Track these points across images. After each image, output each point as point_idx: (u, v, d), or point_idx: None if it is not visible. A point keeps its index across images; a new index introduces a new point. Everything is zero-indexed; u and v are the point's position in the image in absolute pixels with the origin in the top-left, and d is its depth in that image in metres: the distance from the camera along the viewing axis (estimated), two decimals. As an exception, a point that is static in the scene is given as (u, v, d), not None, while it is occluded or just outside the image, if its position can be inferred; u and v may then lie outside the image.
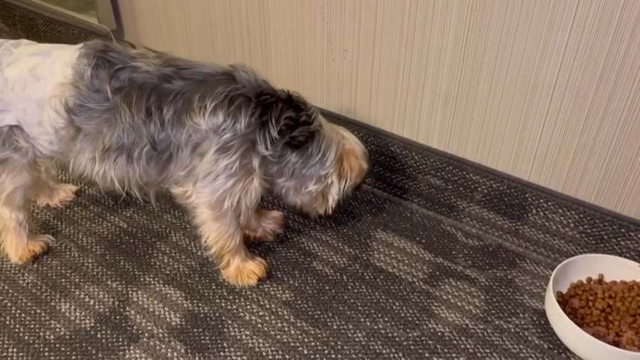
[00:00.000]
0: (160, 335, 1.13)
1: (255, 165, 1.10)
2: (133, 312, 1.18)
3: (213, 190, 1.10)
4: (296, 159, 1.14)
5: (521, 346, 1.11)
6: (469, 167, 1.32)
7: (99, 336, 1.13)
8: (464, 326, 1.15)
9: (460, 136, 1.31)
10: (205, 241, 1.19)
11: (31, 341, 1.12)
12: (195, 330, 1.14)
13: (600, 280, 1.18)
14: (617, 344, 1.05)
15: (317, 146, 1.14)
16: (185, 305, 1.19)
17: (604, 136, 1.12)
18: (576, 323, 1.06)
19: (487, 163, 1.30)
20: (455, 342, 1.12)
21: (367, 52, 1.33)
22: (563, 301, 1.15)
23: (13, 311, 1.18)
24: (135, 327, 1.15)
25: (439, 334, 1.14)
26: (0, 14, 2.17)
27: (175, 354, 1.10)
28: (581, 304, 1.13)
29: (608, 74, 1.06)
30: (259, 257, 1.28)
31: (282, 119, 1.09)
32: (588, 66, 1.07)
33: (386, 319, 1.17)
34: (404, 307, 1.19)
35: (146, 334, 1.14)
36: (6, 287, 1.24)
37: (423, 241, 1.36)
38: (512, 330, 1.14)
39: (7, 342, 1.12)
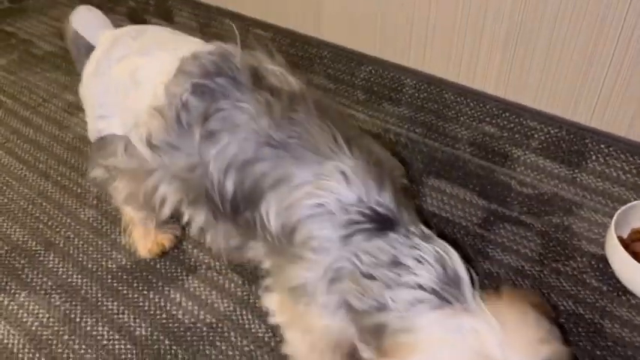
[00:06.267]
0: (217, 267, 1.16)
1: None
2: (190, 246, 1.21)
3: None
4: None
5: (580, 288, 1.10)
6: (527, 113, 1.30)
7: (158, 267, 1.17)
8: (519, 268, 1.14)
9: (519, 80, 1.28)
10: None
11: (94, 269, 1.16)
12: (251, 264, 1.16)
13: (663, 226, 1.15)
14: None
15: None
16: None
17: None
18: (638, 266, 1.04)
19: (546, 108, 1.28)
20: (511, 282, 1.11)
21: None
22: (624, 245, 1.12)
23: (76, 242, 1.23)
24: (192, 259, 1.18)
25: (495, 274, 1.13)
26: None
27: (232, 285, 1.12)
28: (643, 248, 1.11)
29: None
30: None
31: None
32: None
33: (440, 259, 1.17)
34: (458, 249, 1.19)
35: (204, 266, 1.16)
36: (68, 220, 1.28)
37: (477, 188, 1.34)
38: (570, 273, 1.13)
39: (71, 269, 1.17)
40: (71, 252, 1.20)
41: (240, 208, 0.79)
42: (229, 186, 0.78)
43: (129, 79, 0.86)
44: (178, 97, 0.79)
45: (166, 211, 0.90)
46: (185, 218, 0.89)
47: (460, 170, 1.40)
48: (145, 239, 1.16)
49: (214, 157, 0.78)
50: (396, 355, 0.64)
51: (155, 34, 0.94)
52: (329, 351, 0.81)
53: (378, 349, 0.68)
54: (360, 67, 1.58)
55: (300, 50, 1.68)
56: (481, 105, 1.36)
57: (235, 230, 0.84)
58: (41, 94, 1.68)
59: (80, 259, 1.19)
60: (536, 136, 1.31)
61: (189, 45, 0.87)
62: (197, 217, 0.87)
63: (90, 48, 0.96)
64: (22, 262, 1.18)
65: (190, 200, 0.86)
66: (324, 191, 0.71)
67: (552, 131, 1.28)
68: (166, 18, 1.98)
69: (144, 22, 2.00)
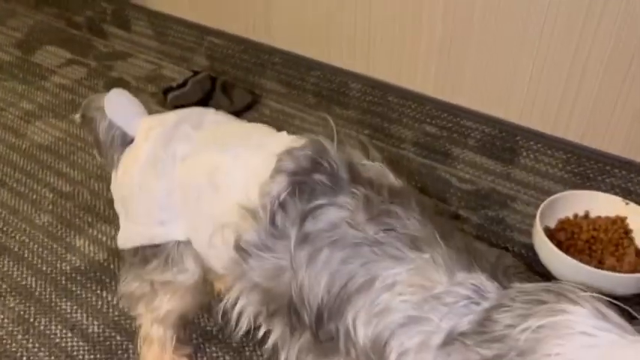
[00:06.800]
0: (169, 266, 1.20)
1: None
2: (143, 247, 1.25)
3: None
4: None
5: (510, 275, 1.18)
6: (463, 114, 1.38)
7: (112, 267, 1.21)
8: (456, 258, 1.22)
9: (454, 82, 1.36)
10: None
11: (48, 272, 1.20)
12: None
13: (586, 216, 1.23)
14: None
15: None
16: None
17: (590, 74, 1.18)
18: (561, 253, 1.12)
19: (480, 108, 1.36)
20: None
21: (364, 5, 1.39)
22: (550, 235, 1.21)
23: (30, 246, 1.26)
24: (145, 260, 1.22)
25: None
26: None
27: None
28: (567, 236, 1.19)
29: (593, 11, 1.11)
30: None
31: None
32: (573, 4, 1.13)
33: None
34: (399, 243, 1.26)
35: (156, 266, 1.21)
36: (24, 225, 1.31)
37: (419, 185, 1.42)
38: (502, 262, 1.21)
39: (25, 272, 1.20)
40: (26, 256, 1.24)
41: (324, 317, 0.68)
42: (318, 292, 0.67)
43: (205, 181, 0.77)
44: (275, 197, 0.70)
45: (243, 327, 0.78)
46: (260, 332, 0.77)
47: (405, 169, 1.48)
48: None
49: (307, 260, 0.68)
50: None
51: (219, 121, 0.85)
52: None
53: None
54: (309, 72, 1.64)
55: (253, 56, 1.74)
56: (422, 107, 1.44)
57: (313, 346, 0.71)
58: (-2, 103, 1.71)
59: (35, 262, 1.22)
60: (472, 135, 1.39)
61: (272, 138, 0.79)
62: (274, 332, 0.75)
63: (125, 138, 0.86)
64: (-23, 266, 1.21)
65: (270, 312, 0.74)
66: (414, 287, 0.61)
67: (487, 130, 1.37)
68: (124, 27, 2.02)
69: (101, 31, 2.03)
